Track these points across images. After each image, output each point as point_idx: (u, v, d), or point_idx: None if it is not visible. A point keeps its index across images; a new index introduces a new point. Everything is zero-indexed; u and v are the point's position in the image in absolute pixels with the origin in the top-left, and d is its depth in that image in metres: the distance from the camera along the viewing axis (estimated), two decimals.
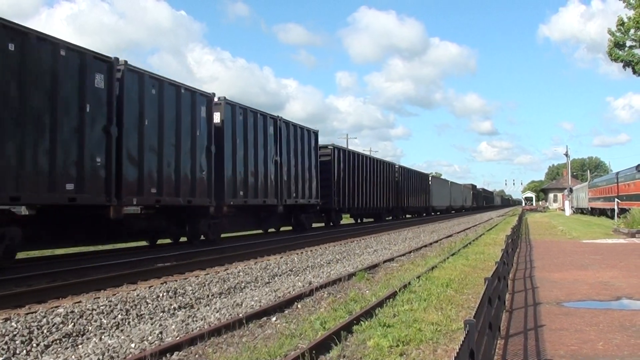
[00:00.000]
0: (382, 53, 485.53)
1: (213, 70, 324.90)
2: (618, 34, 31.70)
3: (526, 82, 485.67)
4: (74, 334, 10.42)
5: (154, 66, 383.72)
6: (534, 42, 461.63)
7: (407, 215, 75.27)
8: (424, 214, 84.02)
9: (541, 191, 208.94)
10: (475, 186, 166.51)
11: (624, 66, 32.02)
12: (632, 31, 31.12)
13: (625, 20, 31.10)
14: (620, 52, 31.81)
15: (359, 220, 58.77)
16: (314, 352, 8.84)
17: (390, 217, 65.39)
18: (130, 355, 9.26)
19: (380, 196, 56.09)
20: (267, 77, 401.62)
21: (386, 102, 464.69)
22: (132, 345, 9.77)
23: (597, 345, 9.33)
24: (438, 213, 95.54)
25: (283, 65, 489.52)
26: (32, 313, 11.72)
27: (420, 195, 77.95)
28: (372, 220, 59.91)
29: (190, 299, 14.12)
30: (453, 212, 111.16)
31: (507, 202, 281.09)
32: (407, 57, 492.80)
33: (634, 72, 31.33)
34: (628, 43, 31.80)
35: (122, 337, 10.29)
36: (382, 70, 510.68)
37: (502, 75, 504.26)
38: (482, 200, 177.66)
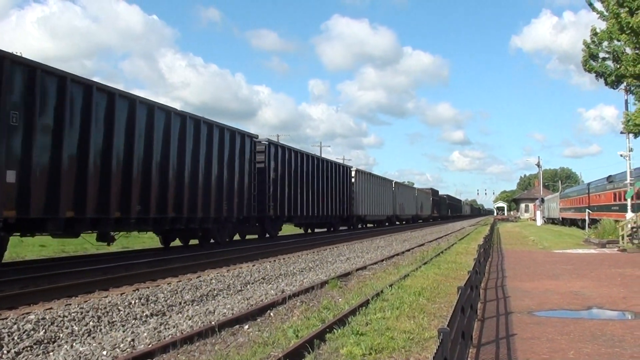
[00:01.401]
0: (354, 61, 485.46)
1: (185, 76, 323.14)
2: (592, 46, 32.03)
3: (498, 93, 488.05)
4: (45, 341, 10.34)
5: (125, 71, 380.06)
6: (506, 53, 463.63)
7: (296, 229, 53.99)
8: (345, 227, 61.18)
9: (513, 201, 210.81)
10: (437, 191, 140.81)
11: (596, 77, 32.33)
12: (605, 43, 31.45)
13: (599, 31, 31.43)
14: (594, 64, 32.13)
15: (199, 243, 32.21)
16: None
17: (257, 236, 40.43)
18: None
19: (210, 195, 28.80)
20: (239, 83, 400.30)
21: (359, 111, 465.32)
22: (104, 352, 9.71)
23: (568, 354, 9.40)
24: (374, 225, 74.77)
25: (255, 71, 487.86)
26: (2, 319, 11.61)
27: (333, 198, 51.93)
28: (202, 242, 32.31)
29: (163, 306, 14.06)
30: (402, 223, 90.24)
31: (478, 211, 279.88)
32: (379, 66, 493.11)
33: (606, 83, 31.64)
34: (601, 55, 32.14)
35: (94, 345, 10.23)
36: (354, 78, 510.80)
37: (475, 85, 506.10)
38: (447, 209, 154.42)
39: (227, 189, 30.84)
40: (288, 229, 50.63)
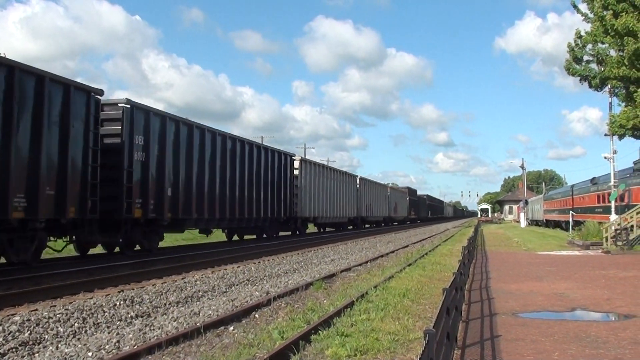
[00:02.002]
0: (338, 63, 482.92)
1: (168, 77, 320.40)
2: (576, 49, 32.17)
3: (482, 94, 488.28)
4: (31, 343, 10.31)
5: (108, 72, 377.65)
6: (490, 55, 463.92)
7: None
8: (285, 235, 47.28)
9: (497, 203, 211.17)
10: (415, 191, 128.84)
11: (580, 80, 32.48)
12: (589, 46, 31.61)
13: (583, 34, 31.58)
14: (578, 67, 32.28)
15: None
16: None
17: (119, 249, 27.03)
18: None
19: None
20: (222, 84, 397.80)
21: (342, 112, 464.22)
22: (89, 354, 9.69)
23: (552, 355, 9.44)
24: (343, 228, 66.16)
25: (239, 72, 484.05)
26: None
27: (266, 195, 39.08)
28: None
29: (148, 307, 14.03)
30: (372, 226, 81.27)
31: (462, 213, 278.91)
32: (363, 67, 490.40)
33: (590, 86, 31.80)
34: (585, 58, 32.30)
35: (79, 346, 10.20)
36: (338, 80, 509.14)
37: (459, 87, 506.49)
38: (427, 211, 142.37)
39: (26, 173, 19.02)
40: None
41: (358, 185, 69.26)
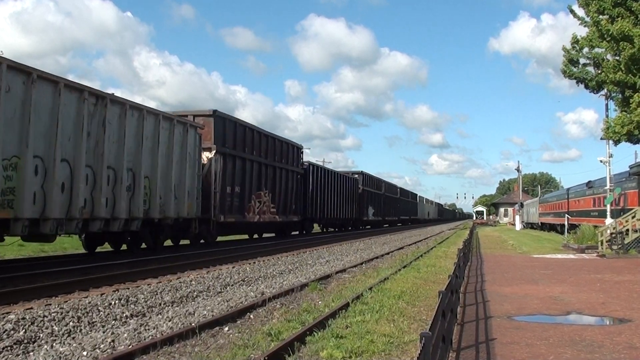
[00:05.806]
0: (331, 62, 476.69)
1: (160, 75, 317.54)
2: (572, 52, 32.21)
3: (477, 96, 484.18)
4: (25, 341, 10.28)
5: (99, 69, 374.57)
6: (484, 56, 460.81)
7: None
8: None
9: (492, 205, 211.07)
10: (318, 168, 53.86)
11: (577, 83, 32.50)
12: (585, 49, 31.64)
13: (579, 38, 31.60)
14: (574, 69, 32.32)
15: None
16: None
17: None
18: None
19: None
20: (215, 82, 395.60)
21: (336, 112, 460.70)
22: (84, 353, 9.67)
23: (547, 359, 9.44)
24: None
25: (232, 71, 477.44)
26: None
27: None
28: None
29: (143, 307, 14.02)
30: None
31: (453, 214, 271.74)
32: (357, 67, 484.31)
33: (586, 87, 31.83)
34: (582, 61, 32.34)
35: (74, 345, 10.19)
36: (331, 79, 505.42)
37: (453, 88, 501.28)
38: (375, 208, 78.68)
39: None
40: None
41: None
